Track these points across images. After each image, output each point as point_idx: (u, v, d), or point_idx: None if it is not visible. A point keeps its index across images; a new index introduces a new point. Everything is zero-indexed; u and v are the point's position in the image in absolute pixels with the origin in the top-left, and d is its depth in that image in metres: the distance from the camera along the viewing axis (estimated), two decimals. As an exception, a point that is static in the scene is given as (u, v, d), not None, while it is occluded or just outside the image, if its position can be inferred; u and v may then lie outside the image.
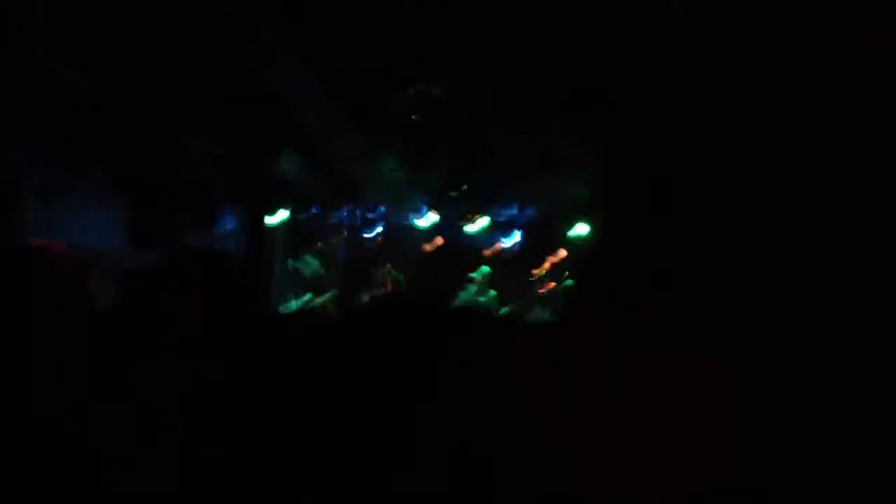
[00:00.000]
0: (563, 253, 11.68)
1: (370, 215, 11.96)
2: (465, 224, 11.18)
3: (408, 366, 2.57)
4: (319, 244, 11.50)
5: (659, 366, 2.74)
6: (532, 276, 11.36)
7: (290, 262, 10.24)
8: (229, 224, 8.83)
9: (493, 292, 10.84)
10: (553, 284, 10.74)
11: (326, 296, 10.10)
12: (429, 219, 11.34)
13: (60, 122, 5.67)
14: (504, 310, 10.65)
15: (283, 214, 10.22)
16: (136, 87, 5.36)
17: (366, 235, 11.94)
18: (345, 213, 11.63)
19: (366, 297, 10.56)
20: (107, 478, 1.97)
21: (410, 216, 12.03)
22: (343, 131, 7.19)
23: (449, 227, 11.43)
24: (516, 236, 11.93)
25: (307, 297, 9.94)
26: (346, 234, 11.85)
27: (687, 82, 5.53)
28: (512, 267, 11.77)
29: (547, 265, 11.51)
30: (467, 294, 10.70)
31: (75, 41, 4.89)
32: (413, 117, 6.38)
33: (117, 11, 4.61)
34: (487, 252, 11.80)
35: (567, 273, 11.09)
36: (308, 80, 5.68)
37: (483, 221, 11.18)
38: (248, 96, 5.83)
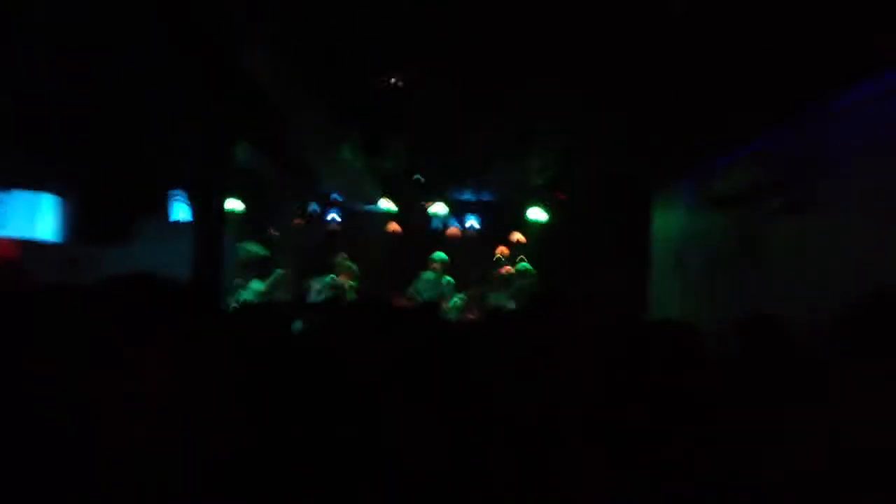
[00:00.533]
0: (519, 237, 11.76)
1: (327, 202, 11.89)
2: (422, 210, 11.14)
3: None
4: (274, 232, 11.38)
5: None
6: (491, 259, 11.39)
7: (241, 250, 10.08)
8: (183, 214, 8.67)
9: (449, 279, 10.83)
10: (511, 268, 10.76)
11: (278, 284, 9.96)
12: (385, 205, 11.28)
13: (6, 114, 5.48)
14: (461, 295, 10.68)
15: (237, 203, 10.08)
16: (88, 78, 5.19)
17: (322, 223, 11.87)
18: (301, 202, 11.53)
19: (318, 286, 10.49)
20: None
21: (366, 203, 11.97)
22: (299, 120, 7.08)
23: (405, 213, 11.39)
24: (473, 221, 11.95)
25: (257, 284, 9.80)
26: (302, 222, 11.74)
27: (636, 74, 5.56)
28: (470, 252, 11.81)
29: (505, 249, 11.56)
30: (425, 280, 10.68)
31: (21, 34, 4.71)
32: (370, 107, 6.30)
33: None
34: (444, 237, 11.83)
35: (524, 257, 11.15)
36: (264, 68, 5.56)
37: (439, 207, 11.15)
38: (201, 86, 5.69)
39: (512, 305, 10.03)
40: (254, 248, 10.03)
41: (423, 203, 11.03)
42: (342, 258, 10.67)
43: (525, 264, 10.64)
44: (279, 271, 9.78)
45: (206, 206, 6.51)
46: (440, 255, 10.78)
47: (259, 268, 9.78)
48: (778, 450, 2.07)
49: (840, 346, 2.13)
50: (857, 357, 2.06)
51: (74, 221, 6.13)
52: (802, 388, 2.21)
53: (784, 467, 2.02)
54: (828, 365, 2.16)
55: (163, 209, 6.99)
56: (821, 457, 1.89)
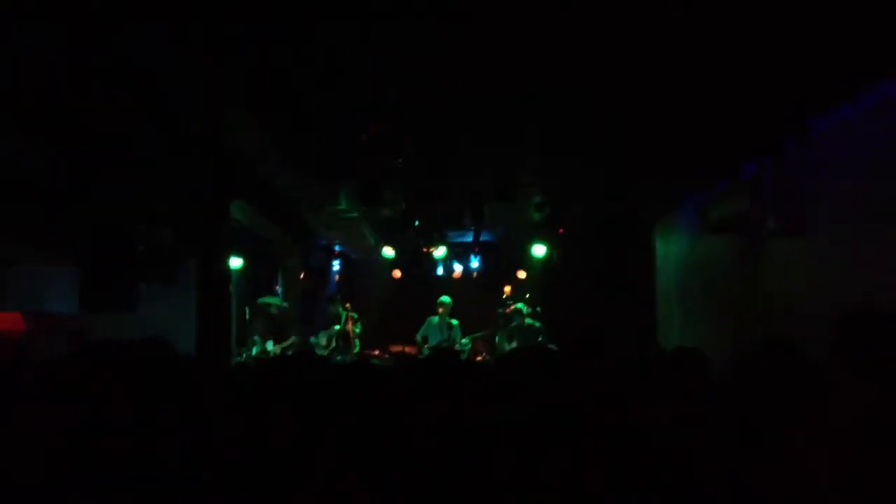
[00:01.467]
0: (522, 275, 11.78)
1: (329, 254, 11.95)
2: (424, 255, 11.18)
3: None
4: (279, 288, 11.42)
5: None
6: (495, 299, 11.40)
7: (262, 304, 10.10)
8: (184, 276, 8.69)
9: (455, 321, 10.83)
10: (515, 307, 10.73)
11: (289, 343, 9.99)
12: (386, 253, 11.35)
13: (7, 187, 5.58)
14: (468, 339, 10.67)
15: (237, 262, 10.11)
16: (87, 141, 5.29)
17: (325, 275, 11.91)
18: (303, 255, 11.58)
19: (323, 340, 10.53)
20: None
21: (367, 252, 12.03)
22: (296, 174, 7.17)
23: (406, 259, 11.45)
24: (475, 262, 11.98)
25: (270, 346, 9.84)
26: (304, 275, 11.78)
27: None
28: (473, 293, 11.84)
29: (508, 289, 11.58)
30: (432, 324, 10.68)
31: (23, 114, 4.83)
32: (365, 155, 6.40)
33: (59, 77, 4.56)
34: (447, 280, 11.87)
35: (528, 295, 11.16)
36: (259, 126, 5.66)
37: (440, 250, 11.19)
38: (198, 147, 5.79)
39: (513, 345, 10.00)
40: (274, 300, 10.06)
41: (424, 248, 11.07)
42: (345, 307, 10.70)
43: (520, 304, 10.63)
44: (294, 338, 9.82)
45: (209, 268, 6.59)
46: (445, 298, 10.80)
47: (275, 328, 9.79)
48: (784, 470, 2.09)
49: (835, 354, 2.17)
50: (851, 362, 2.10)
51: (80, 291, 6.19)
52: (810, 404, 2.24)
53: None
54: (828, 377, 2.19)
55: (167, 272, 7.03)
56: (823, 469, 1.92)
